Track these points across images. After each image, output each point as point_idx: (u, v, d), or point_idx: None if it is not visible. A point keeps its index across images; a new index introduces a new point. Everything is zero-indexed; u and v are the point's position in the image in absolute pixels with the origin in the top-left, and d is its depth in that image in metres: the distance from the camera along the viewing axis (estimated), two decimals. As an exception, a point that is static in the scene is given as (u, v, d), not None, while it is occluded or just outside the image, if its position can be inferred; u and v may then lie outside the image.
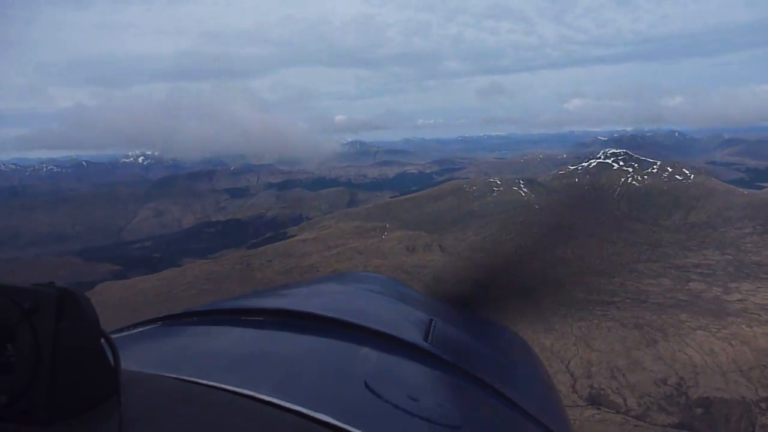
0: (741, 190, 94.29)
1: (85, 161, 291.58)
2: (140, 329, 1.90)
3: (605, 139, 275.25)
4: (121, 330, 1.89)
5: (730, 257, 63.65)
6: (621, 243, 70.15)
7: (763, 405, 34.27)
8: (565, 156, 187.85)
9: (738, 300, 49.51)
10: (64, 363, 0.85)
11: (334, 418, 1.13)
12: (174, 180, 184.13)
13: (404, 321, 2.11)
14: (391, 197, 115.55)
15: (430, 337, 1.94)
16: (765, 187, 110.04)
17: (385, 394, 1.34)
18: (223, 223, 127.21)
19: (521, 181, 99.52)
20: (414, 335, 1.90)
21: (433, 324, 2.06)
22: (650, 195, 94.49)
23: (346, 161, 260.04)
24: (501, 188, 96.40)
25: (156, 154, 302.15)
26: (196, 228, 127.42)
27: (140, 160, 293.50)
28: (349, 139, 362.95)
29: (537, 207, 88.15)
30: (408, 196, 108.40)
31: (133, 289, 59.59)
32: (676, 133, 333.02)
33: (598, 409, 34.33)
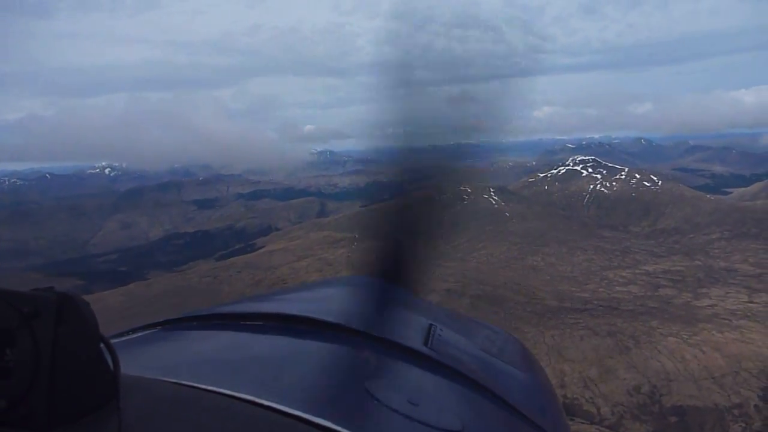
0: (708, 196, 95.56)
1: (49, 173, 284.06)
2: (139, 334, 1.87)
3: (573, 146, 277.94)
4: (121, 335, 1.86)
5: (699, 263, 64.01)
6: (591, 250, 70.34)
7: (735, 412, 34.06)
8: (534, 163, 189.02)
9: (708, 306, 49.59)
10: (64, 368, 0.85)
11: (335, 423, 1.13)
12: (141, 191, 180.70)
13: (404, 325, 2.06)
14: (361, 206, 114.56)
15: (430, 341, 1.90)
16: (731, 193, 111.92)
17: (385, 398, 1.34)
18: (191, 234, 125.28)
19: (491, 189, 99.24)
20: (414, 339, 1.87)
21: (432, 328, 2.01)
22: (619, 201, 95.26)
23: (316, 171, 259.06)
24: (471, 196, 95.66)
25: (123, 165, 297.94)
26: (163, 240, 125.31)
27: (107, 171, 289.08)
28: (319, 149, 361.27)
29: (507, 214, 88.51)
30: (379, 205, 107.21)
31: (96, 304, 53.70)
32: (642, 140, 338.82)
33: (572, 419, 33.76)
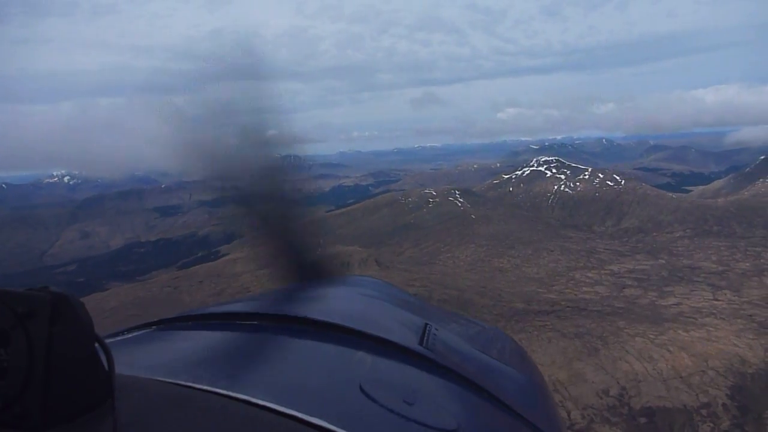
0: (670, 194, 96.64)
1: (5, 183, 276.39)
2: (134, 333, 1.89)
3: (537, 147, 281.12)
4: (116, 334, 1.89)
5: (663, 261, 64.45)
6: (557, 251, 70.39)
7: (704, 412, 34.00)
8: (498, 165, 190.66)
9: (673, 304, 49.81)
10: (58, 368, 0.85)
11: (330, 423, 1.13)
12: (101, 200, 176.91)
13: (399, 325, 2.10)
14: (326, 212, 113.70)
15: (425, 341, 1.93)
16: (691, 191, 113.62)
17: (380, 398, 1.34)
18: (153, 242, 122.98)
19: (457, 192, 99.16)
20: (409, 339, 1.90)
21: (428, 328, 2.06)
22: (583, 202, 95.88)
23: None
24: (437, 199, 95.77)
25: (82, 173, 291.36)
26: (124, 249, 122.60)
27: (65, 180, 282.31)
28: (282, 154, 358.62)
29: (473, 217, 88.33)
30: (343, 210, 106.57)
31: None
32: (604, 140, 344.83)
33: (542, 425, 33.34)
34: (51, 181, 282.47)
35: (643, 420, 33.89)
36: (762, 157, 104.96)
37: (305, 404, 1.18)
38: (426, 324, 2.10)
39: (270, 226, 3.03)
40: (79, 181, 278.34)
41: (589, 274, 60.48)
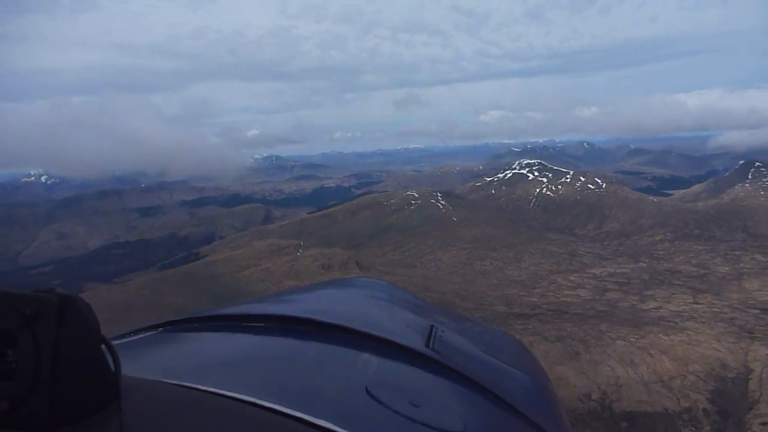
0: (651, 198, 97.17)
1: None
2: (141, 335, 1.90)
3: (519, 150, 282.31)
4: (122, 336, 1.89)
5: (644, 265, 64.67)
6: (539, 254, 70.41)
7: (685, 416, 34.00)
8: (481, 167, 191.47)
9: (654, 308, 49.93)
10: (65, 369, 0.86)
11: (336, 425, 1.14)
12: (80, 199, 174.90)
13: (405, 327, 2.11)
14: (308, 213, 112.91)
15: (431, 343, 1.92)
16: (672, 195, 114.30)
17: (386, 400, 1.35)
18: (132, 243, 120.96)
19: (439, 194, 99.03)
20: (415, 341, 1.89)
21: (434, 330, 2.05)
22: (565, 205, 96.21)
23: (261, 177, 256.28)
24: (419, 201, 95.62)
25: (61, 173, 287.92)
26: (102, 250, 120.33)
27: (43, 179, 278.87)
28: (265, 154, 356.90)
29: (455, 219, 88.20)
30: (324, 211, 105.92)
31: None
32: (585, 144, 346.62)
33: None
34: (28, 180, 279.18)
35: (624, 424, 33.81)
36: (741, 162, 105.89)
37: (311, 406, 1.19)
38: (432, 326, 2.10)
39: None
40: (57, 181, 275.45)
41: (571, 278, 60.45)
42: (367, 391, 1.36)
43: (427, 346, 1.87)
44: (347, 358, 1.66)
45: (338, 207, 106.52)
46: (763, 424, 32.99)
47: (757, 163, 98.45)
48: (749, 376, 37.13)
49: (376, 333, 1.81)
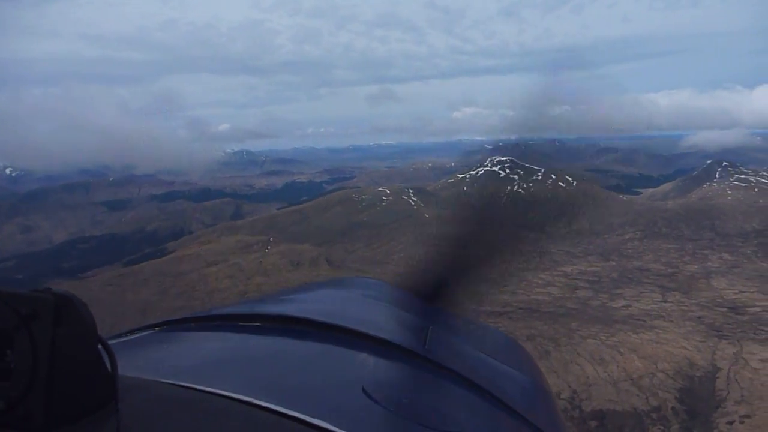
0: (621, 196, 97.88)
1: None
2: (138, 335, 1.91)
3: (491, 147, 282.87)
4: (119, 336, 1.89)
5: (614, 263, 65.00)
6: (509, 251, 70.21)
7: (654, 416, 34.03)
8: (453, 164, 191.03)
9: (623, 306, 50.08)
10: (62, 369, 0.86)
11: (332, 424, 1.14)
12: (45, 193, 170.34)
13: (401, 326, 2.13)
14: (278, 208, 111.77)
15: (427, 342, 1.95)
16: (641, 193, 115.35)
17: (382, 399, 1.35)
18: (98, 238, 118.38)
19: (410, 190, 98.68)
20: (411, 341, 1.91)
21: (430, 330, 2.07)
22: (536, 202, 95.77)
23: (232, 171, 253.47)
24: (390, 197, 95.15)
25: (26, 165, 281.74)
26: (67, 244, 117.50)
27: (7, 171, 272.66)
28: (236, 149, 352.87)
29: (426, 216, 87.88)
30: (295, 207, 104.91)
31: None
32: (556, 142, 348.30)
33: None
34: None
35: (593, 423, 33.72)
36: (709, 162, 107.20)
37: (308, 406, 1.19)
38: (428, 326, 2.09)
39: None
40: (22, 173, 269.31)
41: (542, 275, 60.44)
42: (364, 391, 1.36)
43: (423, 345, 1.88)
44: (344, 357, 1.67)
45: (309, 203, 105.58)
46: (730, 423, 33.15)
47: (725, 163, 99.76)
48: (716, 375, 37.29)
49: (372, 333, 1.80)
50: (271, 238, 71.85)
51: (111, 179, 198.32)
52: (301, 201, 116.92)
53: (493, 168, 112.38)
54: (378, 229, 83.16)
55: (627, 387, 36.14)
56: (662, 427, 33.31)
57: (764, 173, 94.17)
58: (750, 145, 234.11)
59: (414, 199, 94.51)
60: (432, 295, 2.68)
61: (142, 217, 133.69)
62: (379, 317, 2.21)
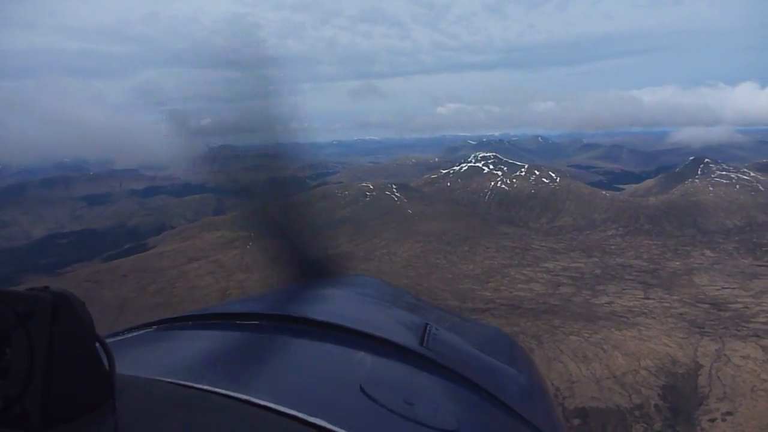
0: (603, 192, 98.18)
1: None
2: (135, 333, 1.91)
3: (474, 143, 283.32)
4: (116, 334, 1.91)
5: (597, 259, 65.06)
6: (493, 248, 70.23)
7: (637, 413, 34.03)
8: (437, 160, 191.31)
9: (606, 303, 50.08)
10: (59, 368, 0.86)
11: (330, 423, 1.14)
12: (23, 187, 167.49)
13: (399, 325, 2.13)
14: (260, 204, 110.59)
15: (425, 341, 1.95)
16: (623, 189, 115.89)
17: (380, 398, 1.35)
18: (78, 233, 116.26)
19: (394, 186, 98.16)
20: (409, 339, 1.92)
21: (428, 328, 2.07)
22: (519, 198, 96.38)
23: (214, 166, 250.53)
24: (374, 193, 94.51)
25: (3, 159, 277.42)
26: (45, 240, 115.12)
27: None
28: (219, 143, 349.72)
29: (409, 212, 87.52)
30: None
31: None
32: (540, 138, 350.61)
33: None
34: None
35: (576, 421, 33.57)
36: (691, 158, 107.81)
37: (306, 404, 1.19)
38: (426, 324, 2.10)
39: (270, 222, 2.97)
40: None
41: (525, 272, 60.36)
42: (362, 390, 1.36)
43: (421, 344, 1.88)
44: (341, 356, 1.67)
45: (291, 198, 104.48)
46: (712, 420, 33.22)
47: (706, 159, 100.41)
48: (698, 372, 37.40)
49: (370, 331, 1.81)
50: (253, 234, 70.85)
51: (91, 173, 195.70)
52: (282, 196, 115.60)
53: (477, 164, 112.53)
54: (360, 225, 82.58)
55: (610, 384, 36.09)
56: (645, 425, 33.29)
57: (745, 170, 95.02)
58: (732, 142, 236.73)
59: (397, 194, 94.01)
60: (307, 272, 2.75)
61: (123, 212, 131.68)
62: (376, 315, 2.23)
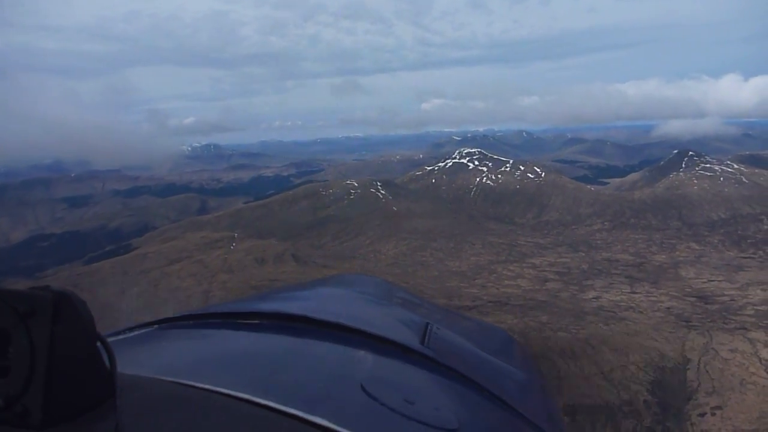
0: (588, 187, 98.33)
1: None
2: (136, 332, 1.93)
3: (459, 139, 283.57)
4: (118, 333, 1.92)
5: (583, 254, 64.98)
6: (479, 244, 69.95)
7: (626, 409, 33.89)
8: (422, 156, 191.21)
9: (593, 298, 49.97)
10: (60, 366, 0.86)
11: (331, 422, 1.15)
12: (3, 189, 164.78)
13: (400, 324, 2.16)
14: (244, 203, 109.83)
15: (426, 340, 1.96)
16: (608, 184, 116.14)
17: (381, 397, 1.36)
18: (59, 235, 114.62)
19: (379, 183, 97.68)
20: (410, 338, 1.94)
21: (429, 327, 2.09)
22: (505, 194, 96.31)
23: (198, 165, 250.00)
24: (358, 191, 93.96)
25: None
26: (26, 243, 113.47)
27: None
28: (203, 142, 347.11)
29: (395, 209, 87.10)
30: (261, 201, 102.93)
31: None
32: (524, 133, 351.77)
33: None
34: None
35: (566, 419, 33.18)
36: (675, 152, 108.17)
37: (307, 403, 1.20)
38: (427, 323, 2.11)
39: None
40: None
41: (511, 268, 60.08)
42: (363, 388, 1.37)
43: (422, 343, 1.89)
44: (342, 355, 1.68)
45: (275, 197, 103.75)
46: (701, 415, 33.09)
47: (690, 153, 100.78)
48: (687, 366, 37.35)
49: (371, 330, 1.82)
50: (236, 234, 70.20)
51: (73, 175, 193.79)
52: (267, 195, 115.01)
53: (462, 160, 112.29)
54: (345, 223, 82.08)
55: (599, 381, 35.87)
56: (635, 421, 33.12)
57: (729, 162, 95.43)
58: (716, 135, 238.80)
59: (382, 192, 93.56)
60: None
61: (105, 214, 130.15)
62: (377, 314, 2.24)
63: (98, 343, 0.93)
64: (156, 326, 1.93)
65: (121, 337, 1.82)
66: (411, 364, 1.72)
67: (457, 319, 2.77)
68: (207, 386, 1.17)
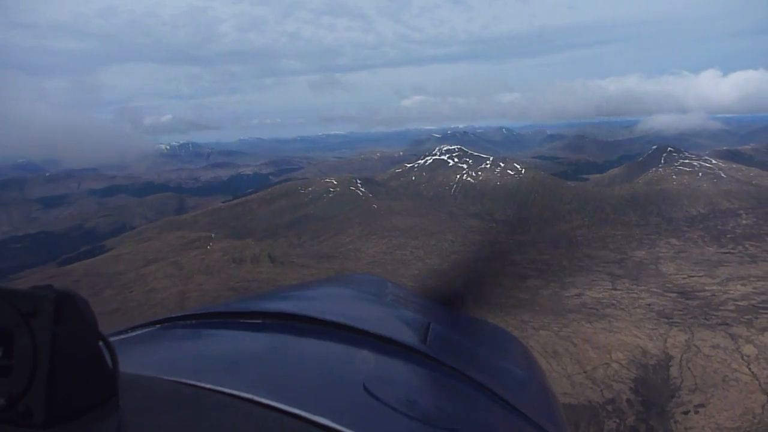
0: (568, 183, 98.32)
1: None
2: (139, 332, 1.92)
3: (439, 136, 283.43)
4: (120, 333, 1.91)
5: (564, 251, 64.79)
6: (460, 241, 69.45)
7: (609, 408, 33.51)
8: (402, 153, 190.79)
9: (575, 295, 49.72)
10: (62, 366, 0.86)
11: (333, 421, 1.15)
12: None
13: (402, 323, 2.17)
14: (222, 202, 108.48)
15: (427, 339, 1.97)
16: (586, 179, 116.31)
17: (383, 396, 1.36)
18: (33, 236, 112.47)
19: (359, 181, 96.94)
20: (412, 338, 1.93)
21: (430, 326, 2.09)
22: (484, 191, 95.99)
23: (176, 164, 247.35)
24: (338, 189, 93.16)
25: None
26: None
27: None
28: (181, 141, 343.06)
29: (375, 207, 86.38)
30: (238, 200, 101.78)
31: None
32: (504, 129, 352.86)
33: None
34: None
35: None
36: (654, 147, 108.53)
37: (309, 403, 1.19)
38: (428, 322, 2.11)
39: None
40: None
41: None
42: (365, 388, 1.37)
43: (423, 342, 1.88)
44: (345, 354, 1.68)
45: (252, 196, 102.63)
46: (685, 413, 32.82)
47: (669, 148, 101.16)
48: (669, 363, 37.16)
49: (373, 330, 1.81)
50: (213, 234, 69.12)
51: (47, 174, 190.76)
52: (245, 194, 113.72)
53: (442, 156, 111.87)
54: (325, 222, 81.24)
55: (581, 380, 35.55)
56: (618, 420, 32.76)
57: (707, 157, 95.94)
58: (694, 131, 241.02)
59: (362, 189, 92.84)
60: (453, 299, 2.70)
61: (81, 214, 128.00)
62: (379, 314, 2.24)
63: (100, 343, 0.93)
64: (158, 325, 1.91)
65: (123, 336, 1.80)
66: (413, 363, 1.70)
67: (459, 318, 2.64)
68: (209, 386, 1.17)
